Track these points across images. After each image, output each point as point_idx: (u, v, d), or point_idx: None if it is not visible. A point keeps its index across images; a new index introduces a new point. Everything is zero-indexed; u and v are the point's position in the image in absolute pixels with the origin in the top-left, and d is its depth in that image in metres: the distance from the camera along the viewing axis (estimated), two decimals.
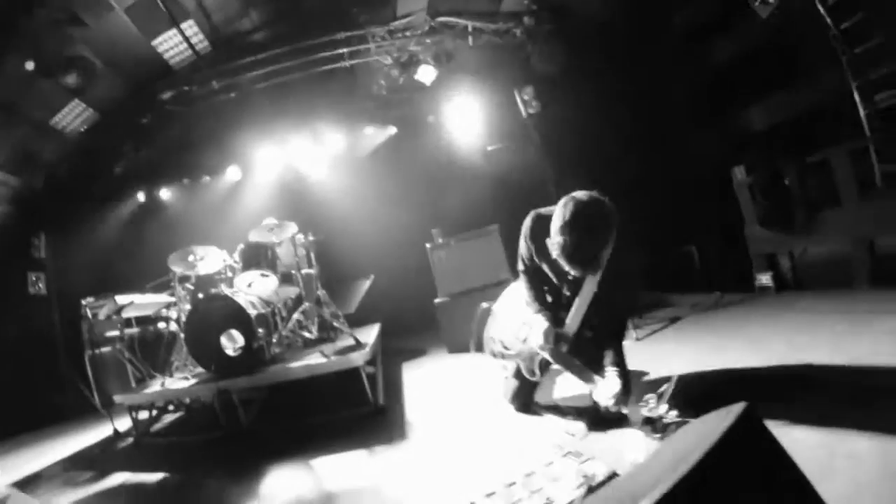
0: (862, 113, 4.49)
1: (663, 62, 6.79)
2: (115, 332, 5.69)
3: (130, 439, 5.09)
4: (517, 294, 3.83)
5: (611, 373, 3.25)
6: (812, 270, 4.77)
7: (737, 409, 1.72)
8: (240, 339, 5.02)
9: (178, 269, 5.81)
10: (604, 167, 6.65)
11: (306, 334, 5.93)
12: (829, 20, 4.67)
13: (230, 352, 5.00)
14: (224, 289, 5.55)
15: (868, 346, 3.43)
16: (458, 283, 6.39)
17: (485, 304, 4.20)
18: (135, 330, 6.03)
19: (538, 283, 3.65)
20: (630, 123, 7.07)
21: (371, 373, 5.11)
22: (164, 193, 8.63)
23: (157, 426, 5.48)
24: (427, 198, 8.30)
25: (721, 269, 5.73)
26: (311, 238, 6.59)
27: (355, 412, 4.61)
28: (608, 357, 3.34)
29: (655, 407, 2.92)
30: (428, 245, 6.67)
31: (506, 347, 3.79)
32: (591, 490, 2.49)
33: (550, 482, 2.61)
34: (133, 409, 5.13)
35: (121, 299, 5.71)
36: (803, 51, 5.07)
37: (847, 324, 3.92)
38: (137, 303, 5.89)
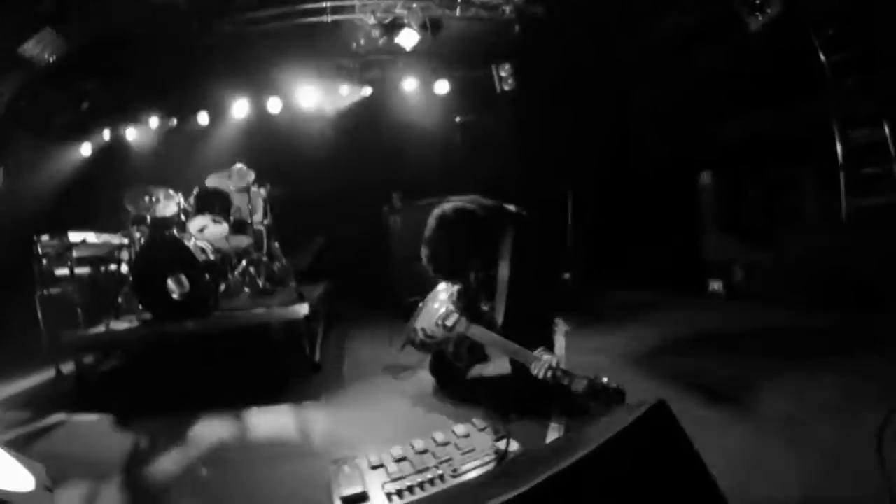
0: (838, 146, 4.40)
1: (648, 63, 6.62)
2: (66, 271, 5.48)
3: (72, 381, 4.96)
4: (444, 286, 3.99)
5: (545, 350, 3.26)
6: (764, 282, 4.65)
7: (649, 403, 1.66)
8: (185, 284, 4.88)
9: (132, 209, 5.65)
10: (573, 157, 6.56)
11: (255, 285, 5.80)
12: (820, 50, 4.54)
13: (175, 296, 4.87)
14: (176, 232, 5.38)
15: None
16: (413, 249, 6.20)
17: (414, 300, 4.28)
18: (86, 270, 5.84)
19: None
20: (605, 120, 6.92)
21: (313, 330, 5.03)
22: (131, 133, 8.35)
23: (102, 369, 5.38)
24: (391, 162, 8.09)
25: (675, 270, 5.60)
26: (268, 189, 6.42)
27: (291, 367, 4.61)
28: (538, 340, 3.36)
29: (597, 378, 2.87)
30: (385, 207, 6.63)
31: (428, 336, 3.84)
32: (499, 464, 2.46)
33: (461, 454, 2.59)
34: (77, 351, 5.02)
35: (73, 237, 5.54)
36: (787, 72, 4.92)
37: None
38: (90, 242, 5.74)
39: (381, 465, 2.62)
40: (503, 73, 7.70)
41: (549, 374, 3.02)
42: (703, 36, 5.60)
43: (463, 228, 3.45)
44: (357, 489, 2.43)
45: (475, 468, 2.45)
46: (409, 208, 6.38)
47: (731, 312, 4.45)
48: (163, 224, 5.65)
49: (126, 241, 5.81)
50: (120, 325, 5.00)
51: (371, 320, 6.30)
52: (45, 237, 5.70)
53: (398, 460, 2.64)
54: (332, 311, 6.58)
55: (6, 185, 6.74)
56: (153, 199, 5.68)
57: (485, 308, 3.66)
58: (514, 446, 2.55)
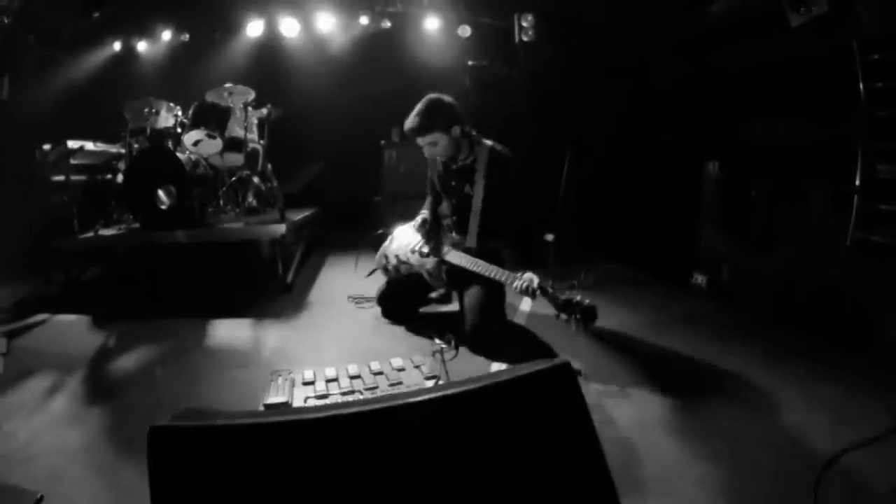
0: (858, 175, 4.00)
1: (679, 45, 6.10)
2: (62, 178, 5.42)
3: (60, 286, 5.04)
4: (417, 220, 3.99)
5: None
6: (750, 287, 4.36)
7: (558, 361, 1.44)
8: (174, 195, 4.80)
9: (131, 120, 5.55)
10: (581, 121, 6.23)
11: (243, 203, 5.70)
12: (860, 73, 4.08)
13: (163, 206, 4.81)
14: (170, 144, 5.27)
15: None
16: (403, 186, 6.30)
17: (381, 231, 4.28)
18: (82, 177, 5.76)
19: (436, 198, 4.00)
20: (621, 92, 6.48)
21: (290, 252, 4.98)
22: (141, 46, 8.09)
23: (91, 275, 5.42)
24: (397, 99, 7.72)
25: (663, 254, 5.29)
26: (269, 110, 6.23)
27: (264, 285, 4.63)
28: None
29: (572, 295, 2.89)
30: (382, 142, 6.47)
31: (402, 262, 3.87)
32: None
33: (389, 384, 2.53)
34: (67, 256, 5.05)
35: (72, 144, 5.49)
36: (821, 84, 4.43)
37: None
38: (88, 149, 5.70)
39: (312, 382, 2.58)
40: (525, 24, 7.22)
41: (529, 288, 3.05)
42: (745, 28, 5.12)
43: (442, 111, 3.58)
44: (281, 399, 2.41)
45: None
46: (406, 146, 6.17)
47: (709, 309, 4.23)
48: (160, 136, 5.55)
49: (124, 151, 5.72)
50: (108, 232, 4.97)
51: (351, 251, 6.13)
52: (46, 146, 5.65)
53: (329, 380, 2.60)
54: (315, 238, 6.56)
55: (11, 95, 6.62)
56: (152, 110, 5.59)
57: (456, 236, 3.72)
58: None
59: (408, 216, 4.06)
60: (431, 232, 3.83)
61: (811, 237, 4.02)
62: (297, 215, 5.61)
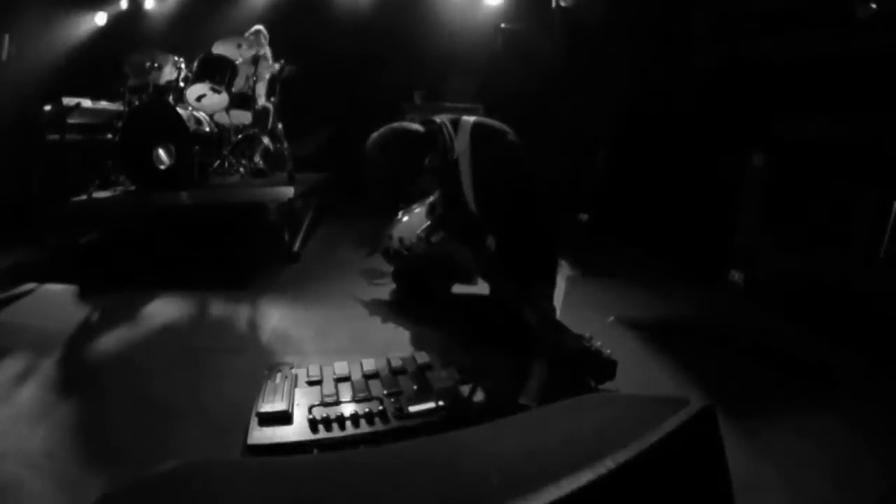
0: None
1: (725, 26, 5.35)
2: (56, 137, 4.90)
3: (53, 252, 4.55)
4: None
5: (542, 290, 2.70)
6: (790, 290, 3.75)
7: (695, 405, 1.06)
8: (173, 154, 4.30)
9: (131, 75, 4.99)
10: (619, 95, 5.52)
11: (250, 164, 5.16)
12: None
13: (161, 166, 4.30)
14: (171, 99, 4.72)
15: None
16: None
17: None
18: (78, 137, 5.23)
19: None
20: (662, 69, 5.72)
21: (298, 218, 4.55)
22: (149, 1, 7.49)
23: (86, 240, 4.89)
24: (422, 62, 6.98)
25: (699, 245, 4.66)
26: (283, 66, 5.59)
27: (269, 253, 4.13)
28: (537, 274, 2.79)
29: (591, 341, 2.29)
30: (404, 104, 5.89)
31: (405, 247, 3.31)
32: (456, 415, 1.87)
33: (415, 388, 2.01)
34: (61, 220, 4.62)
35: (67, 101, 4.95)
36: (883, 82, 3.83)
37: None
38: (86, 107, 5.13)
39: (319, 382, 2.06)
40: None
41: (541, 322, 2.49)
42: (802, 16, 4.42)
43: (393, 148, 2.88)
44: (279, 406, 1.87)
45: (426, 412, 1.85)
46: (429, 110, 5.52)
47: (746, 310, 3.66)
48: (160, 91, 4.97)
49: (125, 109, 5.16)
50: (103, 194, 4.47)
51: (365, 219, 5.57)
52: (47, 106, 5.12)
53: (339, 379, 2.08)
54: (326, 204, 5.95)
55: (13, 54, 6.09)
56: (155, 64, 4.99)
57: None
58: (479, 396, 1.95)
59: (428, 190, 3.48)
60: (440, 219, 3.22)
61: (858, 242, 3.49)
62: (309, 179, 5.07)
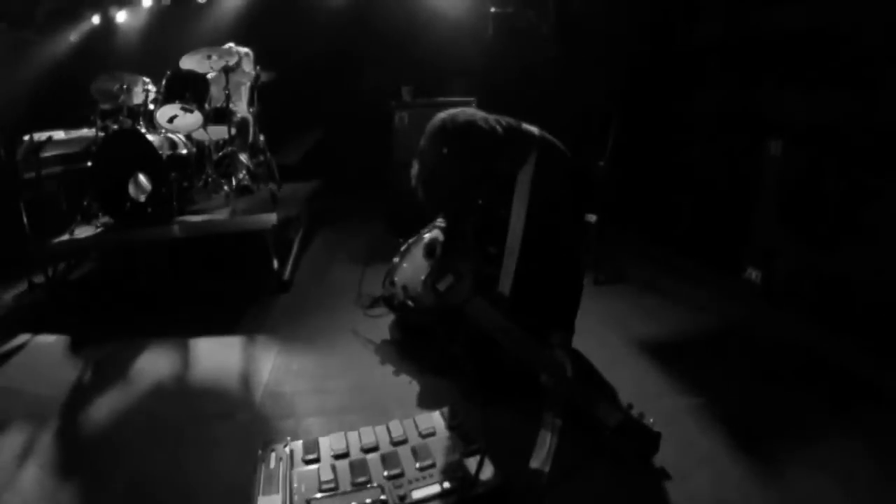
0: None
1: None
2: (32, 175, 4.63)
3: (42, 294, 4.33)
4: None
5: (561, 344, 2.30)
6: (811, 291, 3.41)
7: None
8: (147, 184, 4.04)
9: (100, 100, 4.69)
10: (622, 79, 5.10)
11: (234, 182, 4.83)
12: None
13: (140, 197, 4.05)
14: (141, 124, 4.44)
15: None
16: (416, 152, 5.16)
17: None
18: (58, 169, 4.96)
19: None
20: (665, 49, 5.26)
21: (287, 240, 4.33)
22: (121, 16, 6.91)
23: (74, 277, 4.70)
24: (409, 55, 6.50)
25: (714, 240, 4.30)
26: (258, 73, 5.27)
27: (258, 283, 3.86)
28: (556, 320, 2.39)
29: (630, 411, 1.97)
30: (393, 102, 5.42)
31: (410, 297, 2.85)
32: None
33: (417, 468, 1.80)
34: (45, 261, 4.32)
35: (38, 136, 4.68)
36: None
37: None
38: (58, 139, 4.85)
39: (316, 461, 1.88)
40: None
41: (556, 377, 2.13)
42: None
43: (470, 145, 2.30)
44: (276, 497, 1.71)
45: (432, 498, 1.65)
46: (420, 106, 5.19)
47: (765, 314, 3.38)
48: (131, 116, 4.64)
49: (102, 135, 4.86)
50: (85, 231, 4.23)
51: (361, 231, 5.33)
52: (26, 137, 4.83)
53: (338, 456, 1.89)
54: (317, 216, 5.66)
55: None
56: (123, 86, 4.66)
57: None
58: (487, 472, 1.72)
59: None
60: (446, 259, 2.62)
61: (888, 237, 3.09)
62: (297, 193, 4.83)
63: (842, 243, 3.27)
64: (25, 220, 4.45)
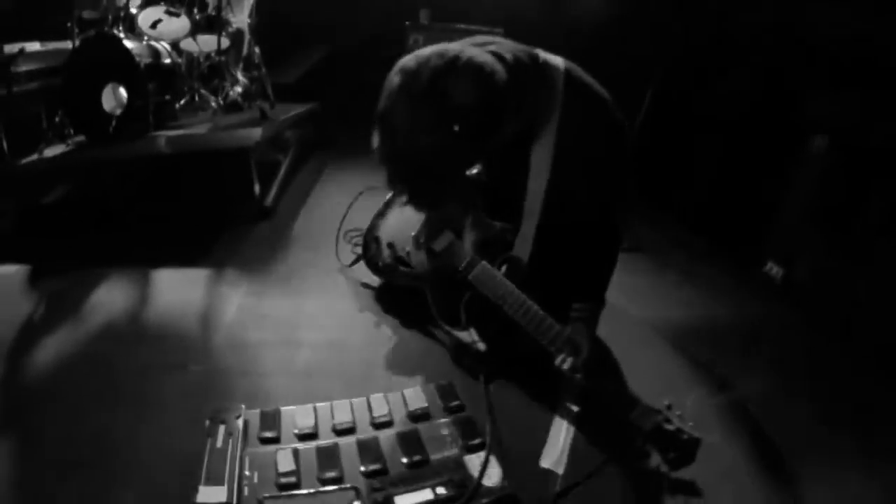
0: None
1: None
2: (4, 92, 4.09)
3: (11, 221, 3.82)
4: None
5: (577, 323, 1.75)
6: (839, 295, 3.02)
7: None
8: (123, 96, 3.53)
9: (77, 3, 4.09)
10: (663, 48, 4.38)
11: (222, 97, 4.28)
12: None
13: (114, 111, 3.55)
14: (120, 30, 3.88)
15: None
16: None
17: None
18: (34, 85, 4.41)
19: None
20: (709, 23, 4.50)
21: (272, 162, 3.80)
22: None
23: (46, 201, 4.19)
24: None
25: (737, 228, 3.79)
26: None
27: (236, 208, 3.38)
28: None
29: (669, 413, 1.49)
30: (408, 23, 4.79)
31: (397, 257, 2.25)
32: None
33: (406, 463, 1.37)
34: (14, 184, 3.85)
35: (8, 48, 4.06)
36: None
37: None
38: (31, 51, 4.27)
39: (275, 439, 1.43)
40: None
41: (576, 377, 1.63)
42: None
43: (473, 117, 1.57)
44: (220, 497, 1.26)
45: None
46: (438, 31, 4.57)
47: (783, 316, 2.93)
48: (105, 20, 4.02)
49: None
50: (55, 150, 3.74)
51: (359, 161, 4.59)
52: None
53: (303, 437, 1.45)
54: (311, 141, 5.04)
55: None
56: None
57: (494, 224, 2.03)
58: (493, 475, 1.26)
59: None
60: (445, 211, 2.09)
61: None
62: (289, 112, 4.25)
63: (879, 252, 2.94)
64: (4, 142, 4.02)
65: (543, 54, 1.81)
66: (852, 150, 3.17)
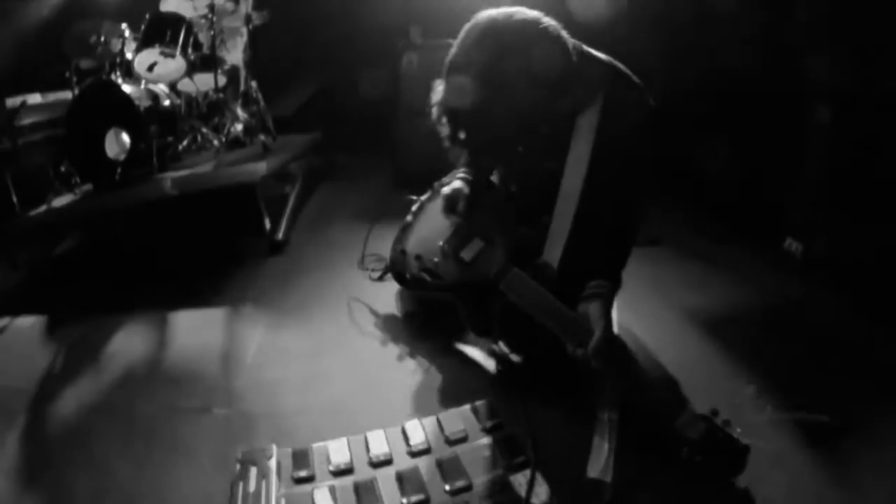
0: None
1: None
2: (9, 146, 4.09)
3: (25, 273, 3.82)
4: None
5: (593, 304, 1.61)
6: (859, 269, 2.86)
7: None
8: (125, 141, 3.53)
9: (73, 53, 4.13)
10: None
11: (224, 134, 4.29)
12: None
13: (118, 157, 3.57)
14: (118, 76, 3.89)
15: None
16: (427, 101, 4.45)
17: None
18: (37, 136, 4.42)
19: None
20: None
21: (280, 195, 3.78)
22: None
23: (58, 252, 4.18)
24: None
25: (752, 207, 3.71)
26: (249, 14, 4.57)
27: (247, 244, 3.36)
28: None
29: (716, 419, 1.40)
30: (400, 43, 4.73)
31: (426, 269, 2.13)
32: None
33: (447, 491, 1.29)
34: (24, 237, 3.86)
35: (11, 102, 4.09)
36: None
37: None
38: (32, 103, 4.30)
39: (311, 478, 1.37)
40: None
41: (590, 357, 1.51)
42: None
43: (544, 66, 1.59)
44: None
45: None
46: (431, 48, 4.43)
47: (805, 293, 2.80)
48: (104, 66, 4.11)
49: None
50: (63, 200, 3.77)
51: (366, 187, 4.66)
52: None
53: (338, 472, 1.38)
54: (316, 170, 5.02)
55: None
56: (101, 38, 4.07)
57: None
58: (541, 493, 1.21)
59: (435, 141, 2.13)
60: (472, 219, 2.04)
61: None
62: (292, 144, 4.27)
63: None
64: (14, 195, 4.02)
65: (586, 48, 1.81)
66: (857, 111, 3.04)
